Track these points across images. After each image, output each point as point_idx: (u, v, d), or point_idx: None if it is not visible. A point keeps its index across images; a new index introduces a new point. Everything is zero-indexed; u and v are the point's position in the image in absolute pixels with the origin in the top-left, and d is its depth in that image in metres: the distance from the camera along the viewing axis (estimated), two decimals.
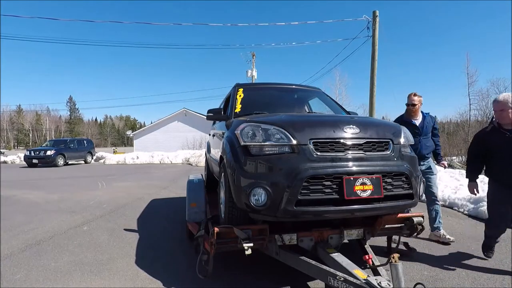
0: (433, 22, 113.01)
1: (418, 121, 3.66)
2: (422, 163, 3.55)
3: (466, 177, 3.18)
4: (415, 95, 3.67)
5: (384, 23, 14.70)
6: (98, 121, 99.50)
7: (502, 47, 77.90)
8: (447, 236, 3.54)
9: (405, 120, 3.66)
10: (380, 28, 11.98)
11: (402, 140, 2.45)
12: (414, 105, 3.63)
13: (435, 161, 3.97)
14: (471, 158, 3.14)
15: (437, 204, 3.64)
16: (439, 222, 3.61)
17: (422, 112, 3.72)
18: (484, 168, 3.09)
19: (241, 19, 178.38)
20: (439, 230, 3.59)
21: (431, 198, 3.63)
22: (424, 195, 3.14)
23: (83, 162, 18.47)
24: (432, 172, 3.65)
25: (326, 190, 2.09)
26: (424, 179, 2.73)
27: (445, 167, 4.37)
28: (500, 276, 2.67)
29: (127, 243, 3.69)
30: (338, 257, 2.25)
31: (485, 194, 3.14)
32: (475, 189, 3.12)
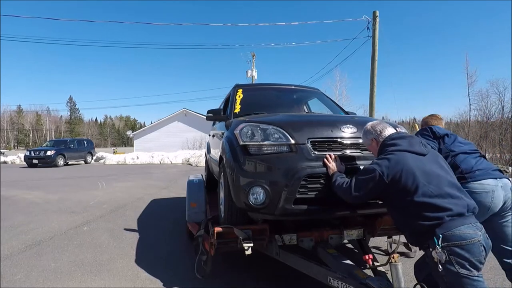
0: (433, 21, 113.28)
1: None
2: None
3: None
4: None
5: (384, 23, 14.67)
6: (98, 121, 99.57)
7: (502, 47, 77.99)
8: None
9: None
10: (380, 28, 12.01)
11: None
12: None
13: None
14: None
15: None
16: None
17: None
18: None
19: (241, 19, 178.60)
20: None
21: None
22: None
23: (83, 162, 18.47)
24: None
25: (324, 189, 2.09)
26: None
27: None
28: (500, 277, 2.67)
29: (127, 243, 3.69)
30: (338, 257, 2.24)
31: None
32: None
